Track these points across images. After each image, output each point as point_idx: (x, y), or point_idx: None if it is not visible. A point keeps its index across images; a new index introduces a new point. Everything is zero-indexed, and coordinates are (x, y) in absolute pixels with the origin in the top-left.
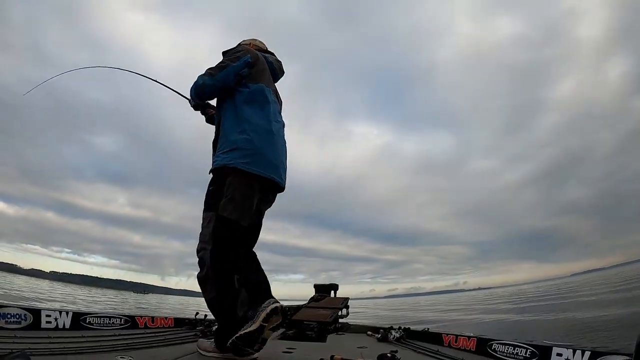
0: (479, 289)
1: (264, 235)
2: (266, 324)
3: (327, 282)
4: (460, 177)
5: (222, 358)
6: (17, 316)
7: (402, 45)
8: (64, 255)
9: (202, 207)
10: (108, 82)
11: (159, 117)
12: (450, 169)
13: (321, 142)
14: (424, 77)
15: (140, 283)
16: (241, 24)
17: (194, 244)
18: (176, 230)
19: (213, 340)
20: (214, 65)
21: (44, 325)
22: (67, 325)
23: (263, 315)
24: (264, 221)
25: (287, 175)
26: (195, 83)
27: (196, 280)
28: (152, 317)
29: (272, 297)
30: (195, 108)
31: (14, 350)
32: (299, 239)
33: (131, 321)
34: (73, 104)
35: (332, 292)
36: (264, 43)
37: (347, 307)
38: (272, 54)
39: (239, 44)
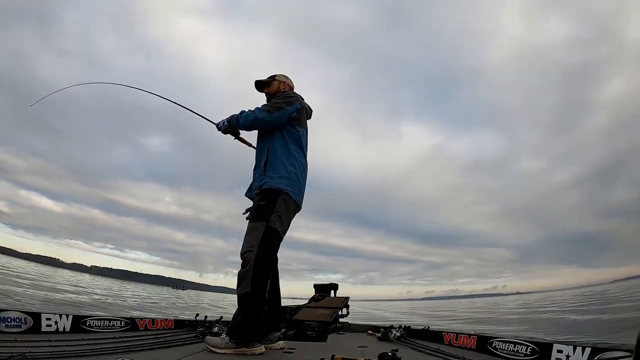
0: (518, 293)
1: (304, 235)
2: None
3: (368, 283)
4: (508, 177)
5: (235, 353)
6: (17, 320)
7: (452, 45)
8: (106, 251)
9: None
10: (160, 83)
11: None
12: (497, 169)
13: (368, 140)
14: (474, 77)
15: (178, 279)
16: (296, 26)
17: (236, 242)
18: (218, 228)
19: (224, 336)
20: (269, 103)
21: (44, 328)
22: (67, 329)
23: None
24: (305, 223)
25: (331, 173)
26: (253, 115)
27: (235, 277)
28: (153, 319)
29: (279, 328)
30: (225, 132)
31: (14, 354)
32: (341, 238)
33: (131, 323)
34: (127, 105)
35: (332, 292)
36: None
37: (347, 306)
38: (302, 97)
39: (274, 77)
